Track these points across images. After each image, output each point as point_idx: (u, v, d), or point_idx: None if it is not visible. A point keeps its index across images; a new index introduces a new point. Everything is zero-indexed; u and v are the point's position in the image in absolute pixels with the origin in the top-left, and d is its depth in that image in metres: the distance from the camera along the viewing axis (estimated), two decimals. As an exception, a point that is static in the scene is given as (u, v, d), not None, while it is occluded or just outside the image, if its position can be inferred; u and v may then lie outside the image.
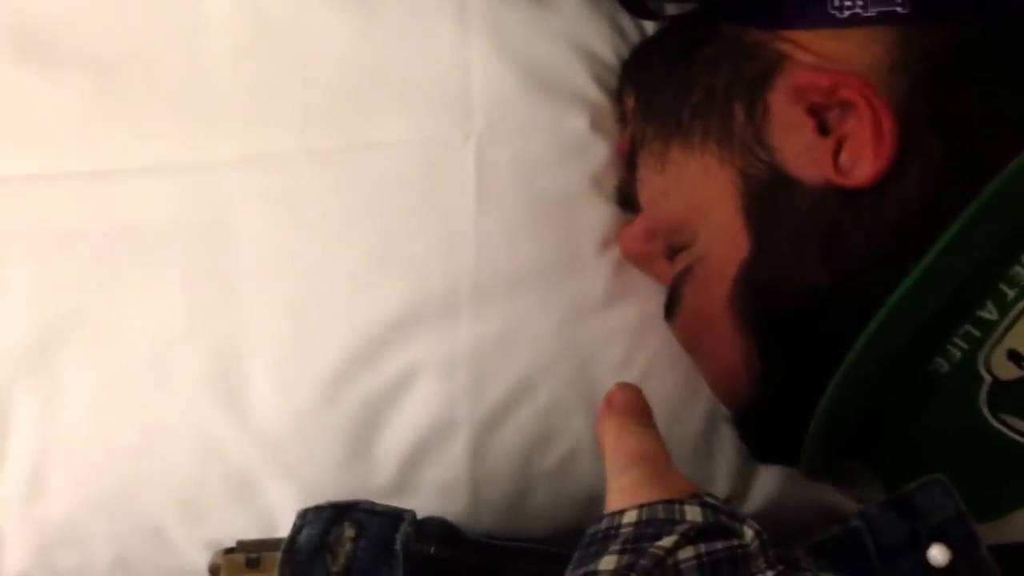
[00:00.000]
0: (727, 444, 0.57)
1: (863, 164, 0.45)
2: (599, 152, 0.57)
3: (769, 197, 0.48)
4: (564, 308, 0.55)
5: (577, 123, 0.57)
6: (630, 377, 0.56)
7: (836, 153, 0.46)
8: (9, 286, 0.53)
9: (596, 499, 0.55)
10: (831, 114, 0.47)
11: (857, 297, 0.45)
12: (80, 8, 0.55)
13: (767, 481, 0.58)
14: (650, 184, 0.54)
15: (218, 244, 0.54)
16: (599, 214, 0.57)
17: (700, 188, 0.51)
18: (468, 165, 0.55)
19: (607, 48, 0.59)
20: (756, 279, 0.48)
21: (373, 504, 0.46)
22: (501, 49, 0.56)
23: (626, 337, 0.56)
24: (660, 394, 0.55)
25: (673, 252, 0.53)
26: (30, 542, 0.53)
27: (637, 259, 0.56)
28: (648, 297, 0.56)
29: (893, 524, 0.44)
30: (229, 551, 0.47)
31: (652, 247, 0.55)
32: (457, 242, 0.54)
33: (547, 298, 0.55)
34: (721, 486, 0.57)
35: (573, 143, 0.56)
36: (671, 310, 0.54)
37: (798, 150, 0.47)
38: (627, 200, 0.56)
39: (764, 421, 0.51)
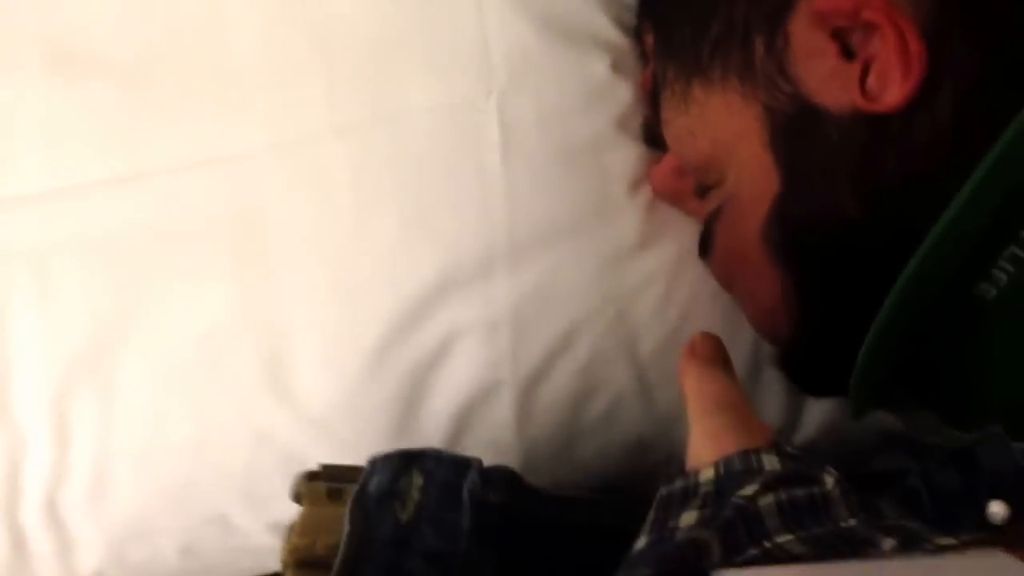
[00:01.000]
0: (773, 378, 0.57)
1: (891, 88, 0.44)
2: (623, 94, 0.56)
3: (796, 130, 0.47)
4: (599, 256, 0.55)
5: (598, 66, 0.56)
6: (669, 319, 0.56)
7: (863, 78, 0.45)
8: (59, 297, 0.53)
9: (643, 444, 0.57)
10: (855, 37, 0.46)
11: (892, 225, 0.45)
12: (104, 14, 0.55)
13: (818, 411, 0.57)
14: (674, 124, 0.53)
15: (254, 233, 0.54)
16: (627, 156, 0.56)
17: (725, 126, 0.50)
18: (492, 122, 0.54)
19: None
20: (788, 214, 0.47)
21: (440, 452, 0.46)
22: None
23: (663, 279, 0.56)
24: (702, 332, 0.56)
25: (703, 191, 0.53)
26: (101, 541, 0.54)
27: (669, 197, 0.56)
28: (682, 236, 0.56)
29: (951, 479, 0.42)
30: (313, 475, 0.46)
31: (683, 184, 0.54)
32: (488, 201, 0.54)
33: (581, 247, 0.55)
34: (771, 420, 0.57)
35: (596, 87, 0.56)
36: (705, 249, 0.53)
37: (823, 78, 0.46)
38: (654, 138, 0.56)
39: (808, 356, 0.51)
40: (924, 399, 0.51)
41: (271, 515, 0.54)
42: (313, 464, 0.53)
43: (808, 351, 0.51)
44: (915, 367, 0.48)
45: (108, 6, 0.55)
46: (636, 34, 0.57)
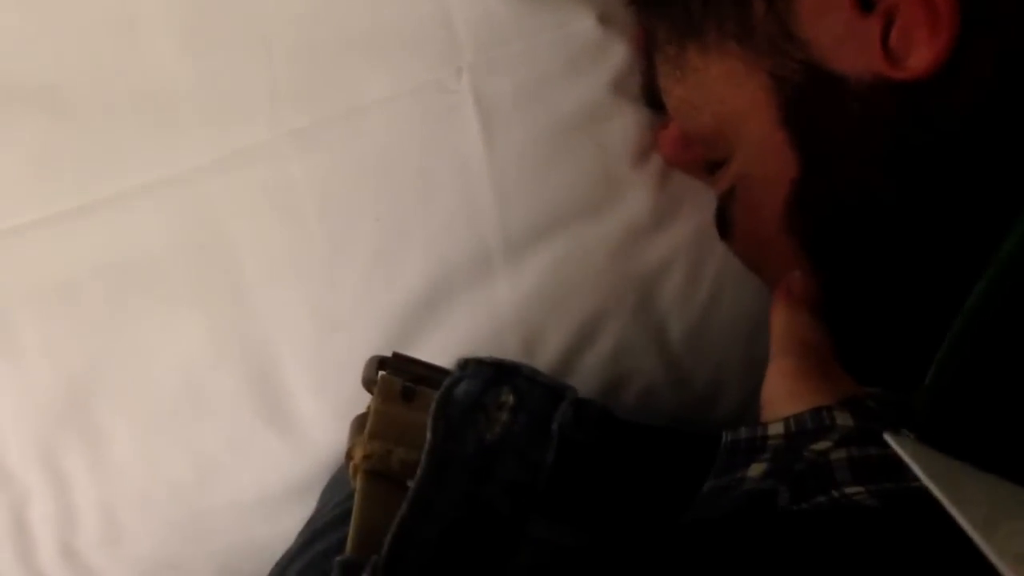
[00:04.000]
0: None
1: (919, 48, 0.36)
2: (616, 52, 0.49)
3: (810, 104, 0.39)
4: (610, 240, 0.49)
5: (583, 23, 0.48)
6: (698, 299, 0.50)
7: (884, 36, 0.37)
8: (23, 348, 0.49)
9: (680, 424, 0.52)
10: None
11: (931, 208, 0.38)
12: (9, 43, 0.49)
13: None
14: (672, 95, 0.46)
15: (219, 258, 0.49)
16: (629, 124, 0.49)
17: (727, 98, 0.42)
18: (467, 106, 0.48)
19: None
20: (811, 201, 0.41)
21: (535, 372, 0.42)
22: None
23: (685, 258, 0.49)
24: (735, 310, 0.50)
25: (711, 167, 0.46)
26: None
27: (682, 167, 0.49)
28: (702, 205, 0.49)
29: None
30: (383, 362, 0.43)
31: (693, 154, 0.47)
32: (474, 195, 0.48)
33: (587, 234, 0.49)
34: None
35: (582, 48, 0.48)
36: (724, 231, 0.47)
37: (837, 37, 0.38)
38: (656, 99, 0.48)
39: (843, 347, 0.45)
40: None
41: (303, 518, 0.50)
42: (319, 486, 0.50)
43: (844, 343, 0.44)
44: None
45: (11, 35, 0.49)
46: None
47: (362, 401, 0.46)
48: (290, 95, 0.48)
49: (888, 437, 0.32)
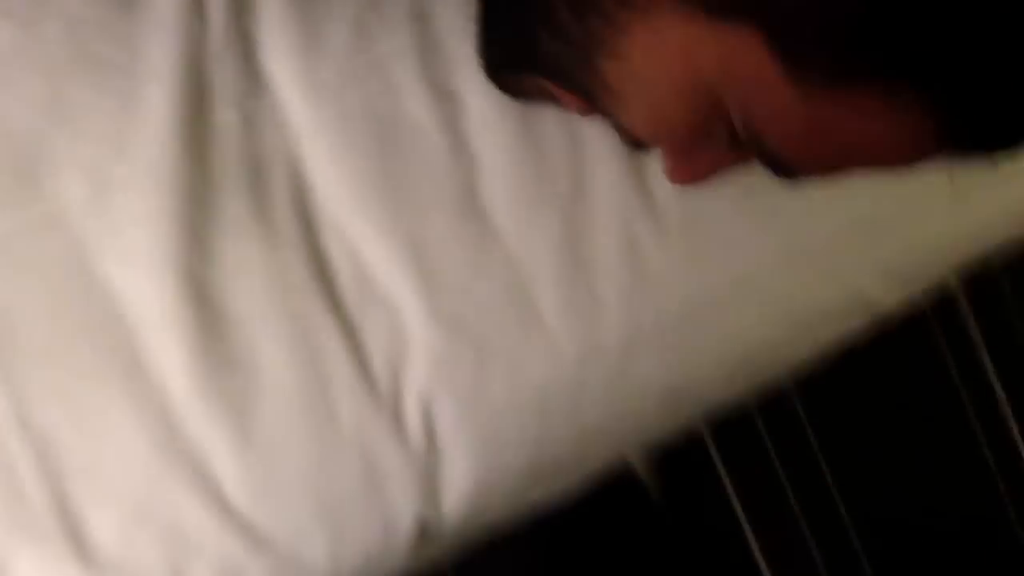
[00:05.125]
0: None
1: None
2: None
3: None
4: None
5: None
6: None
7: None
8: None
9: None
10: None
11: None
12: None
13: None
14: (642, 112, 0.45)
15: None
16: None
17: (676, 63, 0.42)
18: None
19: None
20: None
21: None
22: None
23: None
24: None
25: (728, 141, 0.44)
26: None
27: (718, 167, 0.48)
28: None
29: None
30: None
31: (711, 147, 0.46)
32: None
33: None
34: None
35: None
36: (789, 170, 0.44)
37: None
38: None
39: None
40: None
41: None
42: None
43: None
44: None
45: None
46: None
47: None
48: None
49: None
